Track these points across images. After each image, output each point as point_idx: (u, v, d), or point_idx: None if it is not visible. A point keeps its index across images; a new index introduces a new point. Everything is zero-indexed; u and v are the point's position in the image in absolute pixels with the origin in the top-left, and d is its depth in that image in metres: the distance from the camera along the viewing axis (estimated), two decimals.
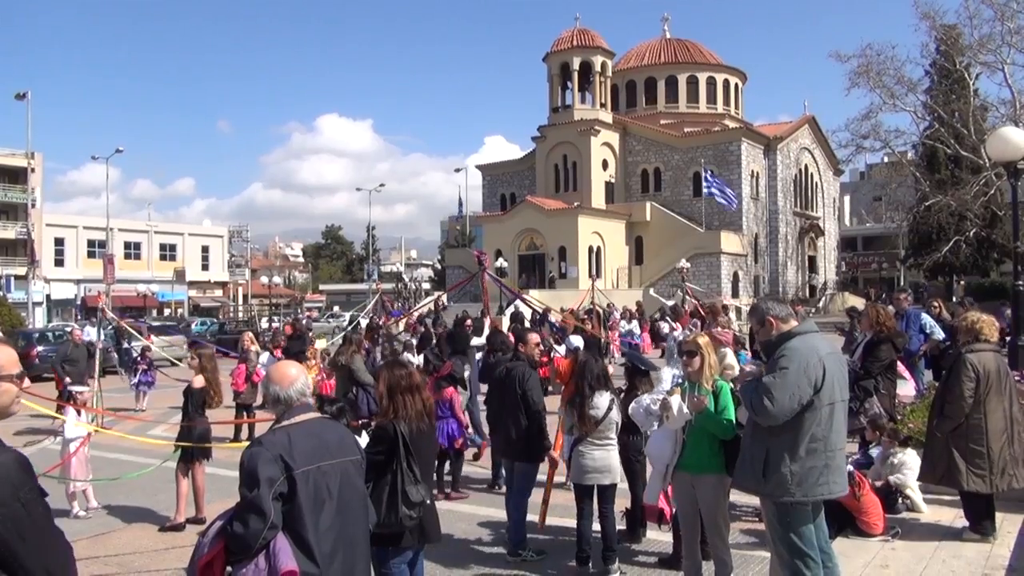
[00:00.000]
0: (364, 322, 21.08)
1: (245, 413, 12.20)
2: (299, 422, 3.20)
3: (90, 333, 15.24)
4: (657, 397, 5.21)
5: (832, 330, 19.89)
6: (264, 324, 41.22)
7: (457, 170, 65.68)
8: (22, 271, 45.19)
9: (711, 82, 56.85)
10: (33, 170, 46.99)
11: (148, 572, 6.41)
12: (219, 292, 67.49)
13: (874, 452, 7.34)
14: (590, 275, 39.77)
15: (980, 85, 39.25)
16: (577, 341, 9.74)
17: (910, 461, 6.87)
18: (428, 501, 4.13)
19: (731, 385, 5.03)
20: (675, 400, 4.85)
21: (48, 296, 50.14)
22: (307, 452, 3.09)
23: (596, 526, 5.94)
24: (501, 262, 41.82)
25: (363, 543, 3.30)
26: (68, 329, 18.83)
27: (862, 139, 39.13)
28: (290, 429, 3.15)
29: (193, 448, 7.67)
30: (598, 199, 51.01)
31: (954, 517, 6.49)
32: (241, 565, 2.97)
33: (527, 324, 20.78)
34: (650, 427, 5.30)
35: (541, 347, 7.02)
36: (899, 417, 8.11)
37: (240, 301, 68.71)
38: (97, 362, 13.75)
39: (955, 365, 6.09)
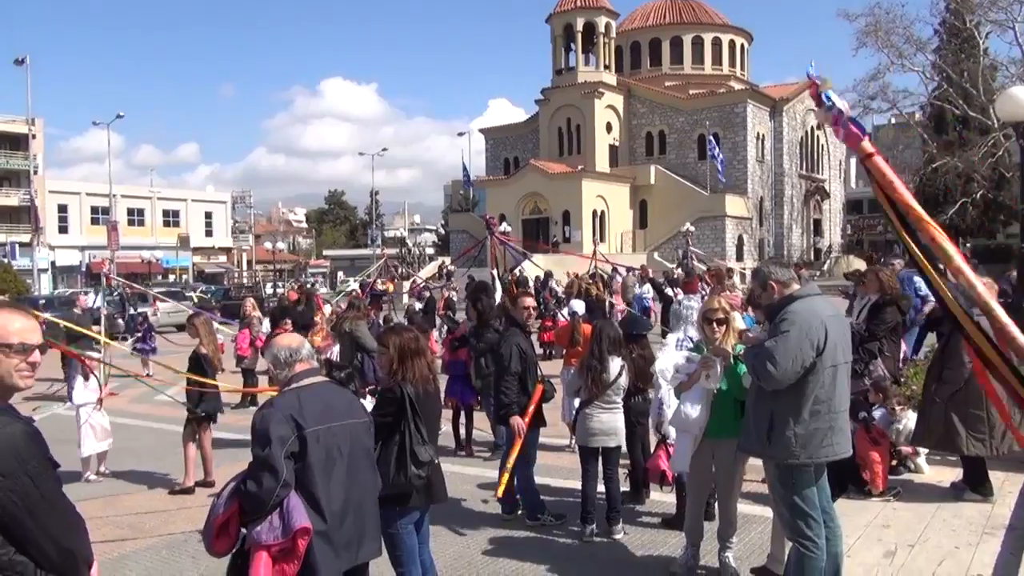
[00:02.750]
0: (355, 285, 21.19)
1: (250, 377, 12.30)
2: (307, 385, 3.28)
3: (95, 300, 15.32)
4: (688, 355, 5.20)
5: (836, 293, 19.87)
6: (268, 290, 41.33)
7: (460, 134, 65.29)
8: (26, 238, 45.23)
9: (716, 43, 56.11)
10: (34, 136, 46.81)
11: (159, 534, 6.51)
12: (223, 258, 67.55)
13: (877, 414, 7.37)
14: (594, 239, 39.69)
15: (990, 44, 38.74)
16: (578, 306, 9.74)
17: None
18: (436, 461, 4.18)
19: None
20: (718, 362, 4.86)
21: (53, 263, 50.25)
22: (316, 413, 3.18)
23: (600, 488, 6.01)
24: (505, 226, 41.74)
25: (372, 503, 3.39)
26: (74, 296, 18.94)
27: (869, 100, 38.74)
28: (299, 391, 3.24)
29: (198, 413, 7.78)
30: (602, 162, 50.69)
31: (955, 478, 6.55)
32: (255, 524, 3.05)
33: (531, 288, 20.82)
34: (673, 384, 5.29)
35: (530, 311, 6.91)
36: (902, 380, 8.14)
37: (244, 267, 68.82)
38: (103, 328, 13.82)
39: (955, 330, 6.08)
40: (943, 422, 6.03)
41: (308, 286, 26.43)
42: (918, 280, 10.59)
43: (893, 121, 49.08)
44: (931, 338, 11.00)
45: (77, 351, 9.43)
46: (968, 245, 47.09)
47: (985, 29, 36.60)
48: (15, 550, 2.22)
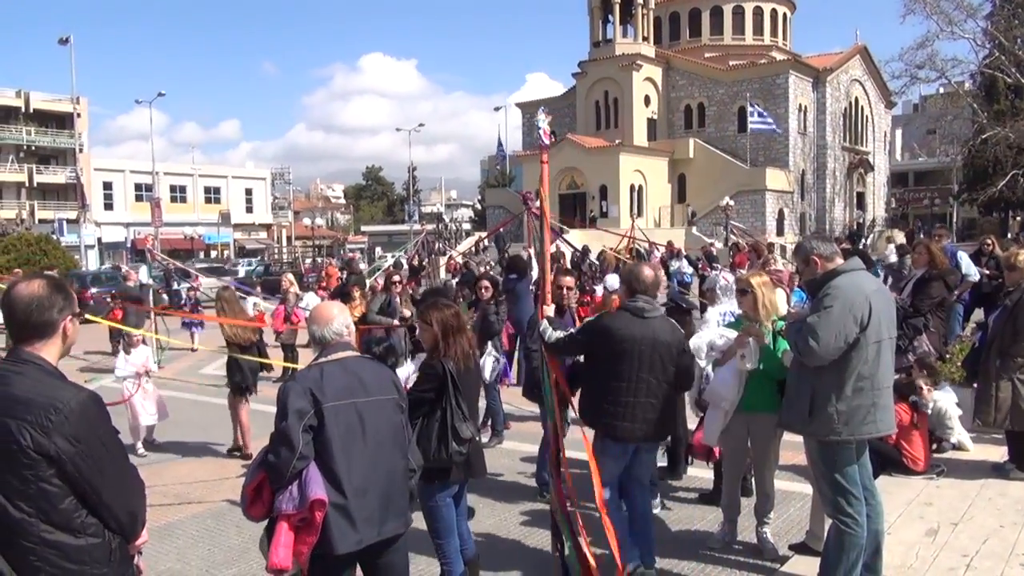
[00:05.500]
0: (389, 262, 21.34)
1: (289, 352, 12.49)
2: (335, 359, 3.31)
3: (145, 275, 15.78)
4: (724, 332, 5.20)
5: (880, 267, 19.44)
6: (308, 265, 41.83)
7: (496, 109, 65.00)
8: (73, 215, 46.33)
9: (758, 12, 54.85)
10: (79, 115, 47.69)
11: (204, 501, 6.71)
12: (263, 234, 68.45)
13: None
14: (631, 214, 39.39)
15: None
16: (613, 280, 9.65)
17: (950, 409, 6.71)
18: (476, 438, 4.21)
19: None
20: (752, 343, 4.84)
21: (99, 239, 51.37)
22: (339, 388, 3.19)
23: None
24: None
25: (400, 479, 3.38)
26: (123, 271, 19.45)
27: (917, 69, 37.52)
28: (325, 365, 3.27)
29: (232, 386, 8.06)
30: (640, 136, 50.10)
31: (1000, 456, 6.42)
32: (279, 494, 3.13)
33: (568, 265, 20.70)
34: (708, 362, 5.29)
35: (564, 291, 6.79)
36: (948, 356, 7.97)
37: (284, 243, 69.70)
38: (151, 303, 14.20)
39: (1019, 303, 5.94)
40: (1011, 399, 5.89)
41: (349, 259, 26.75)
42: (962, 256, 10.20)
43: (941, 91, 47.57)
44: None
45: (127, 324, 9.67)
46: (1019, 219, 45.78)
47: None
48: (87, 512, 2.33)
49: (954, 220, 55.99)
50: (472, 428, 4.13)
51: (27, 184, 53.46)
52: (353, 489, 3.15)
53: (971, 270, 9.77)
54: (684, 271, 21.52)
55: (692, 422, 6.44)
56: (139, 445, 8.37)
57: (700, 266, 16.73)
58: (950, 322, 9.35)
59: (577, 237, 25.84)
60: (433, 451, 4.01)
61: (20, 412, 2.25)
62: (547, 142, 4.96)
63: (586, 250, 21.74)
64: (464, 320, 4.41)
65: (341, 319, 3.41)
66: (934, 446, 6.62)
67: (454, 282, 17.87)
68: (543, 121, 4.90)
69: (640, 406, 4.51)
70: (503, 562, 5.16)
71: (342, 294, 11.24)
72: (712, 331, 5.51)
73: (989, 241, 11.22)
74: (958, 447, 6.75)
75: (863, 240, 40.53)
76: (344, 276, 15.48)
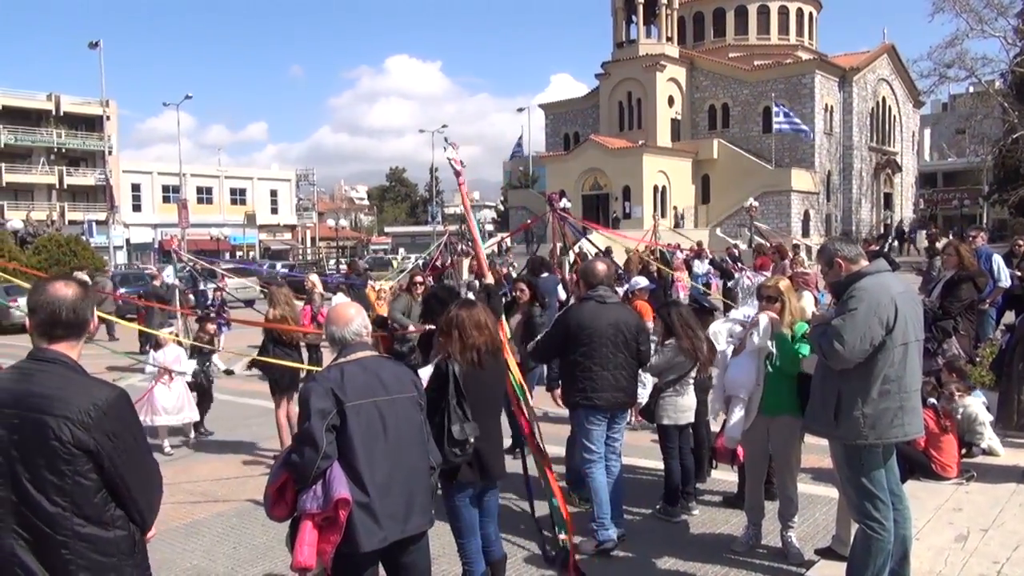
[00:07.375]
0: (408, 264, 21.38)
1: (314, 352, 12.56)
2: (354, 359, 3.32)
3: (171, 275, 15.95)
4: (743, 319, 5.24)
5: (908, 270, 19.25)
6: (332, 266, 42.12)
7: (520, 110, 65.04)
8: (102, 216, 46.99)
9: (783, 11, 54.35)
10: (108, 118, 48.41)
11: (229, 500, 6.76)
12: (288, 235, 69.03)
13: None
14: (655, 215, 39.18)
15: None
16: (641, 281, 9.60)
17: (981, 414, 6.60)
18: (472, 440, 4.01)
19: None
20: (763, 318, 4.86)
21: (128, 240, 52.06)
22: (359, 387, 3.21)
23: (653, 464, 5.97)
24: (565, 202, 41.49)
25: (422, 476, 3.38)
26: (148, 272, 19.68)
27: (946, 68, 37.10)
28: (344, 366, 3.28)
29: (273, 385, 7.99)
30: (663, 137, 49.86)
31: None
32: (302, 493, 3.15)
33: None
34: (727, 347, 5.30)
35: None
36: (978, 359, 7.84)
37: (308, 244, 70.21)
38: (178, 304, 14.35)
39: None
40: None
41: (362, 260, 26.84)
42: (996, 259, 9.86)
43: (971, 90, 46.84)
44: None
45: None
46: None
47: None
48: (115, 505, 2.39)
49: (984, 221, 55.09)
50: (469, 430, 3.97)
51: (57, 186, 54.30)
52: (376, 487, 3.16)
53: (1003, 274, 9.43)
54: (707, 272, 21.35)
55: (715, 425, 6.40)
56: (165, 443, 8.46)
57: (729, 267, 16.63)
58: (983, 326, 9.12)
59: (597, 240, 25.70)
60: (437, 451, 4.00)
61: (58, 409, 2.30)
62: (459, 168, 5.44)
63: (608, 251, 21.68)
64: (481, 319, 4.32)
65: (359, 320, 3.43)
66: (963, 451, 6.52)
67: (477, 283, 17.89)
68: (452, 152, 5.36)
69: (614, 377, 5.24)
70: (528, 563, 5.16)
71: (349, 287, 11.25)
72: (735, 317, 5.58)
73: (1021, 242, 11.01)
74: (989, 452, 6.64)
75: (887, 241, 39.99)
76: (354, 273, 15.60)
